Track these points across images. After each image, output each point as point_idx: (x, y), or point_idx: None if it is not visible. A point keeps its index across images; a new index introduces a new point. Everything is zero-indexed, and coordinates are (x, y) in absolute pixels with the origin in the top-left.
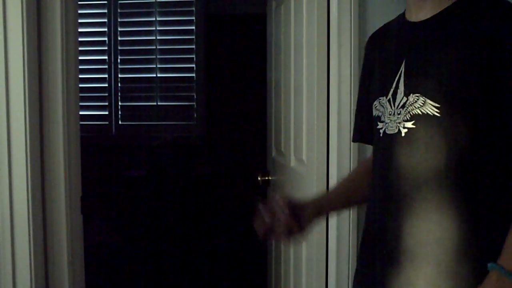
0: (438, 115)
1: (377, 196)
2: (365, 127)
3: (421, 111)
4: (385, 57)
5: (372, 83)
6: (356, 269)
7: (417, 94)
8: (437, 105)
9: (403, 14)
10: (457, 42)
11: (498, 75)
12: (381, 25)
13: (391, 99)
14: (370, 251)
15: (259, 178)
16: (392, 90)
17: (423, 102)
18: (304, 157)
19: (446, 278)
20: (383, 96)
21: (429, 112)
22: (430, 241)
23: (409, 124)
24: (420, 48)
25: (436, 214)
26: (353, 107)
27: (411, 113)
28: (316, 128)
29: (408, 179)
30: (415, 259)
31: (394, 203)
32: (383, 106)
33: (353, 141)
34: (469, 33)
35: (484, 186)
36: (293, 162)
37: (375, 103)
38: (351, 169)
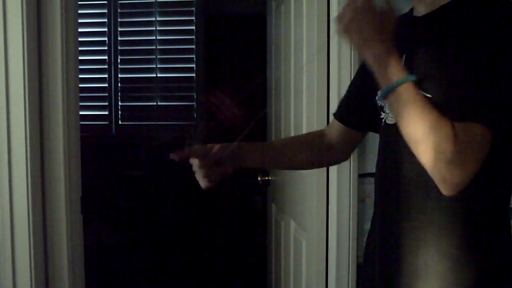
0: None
1: (379, 187)
2: (350, 108)
3: None
4: None
5: None
6: (364, 262)
7: None
8: (428, 96)
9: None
10: (446, 38)
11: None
12: None
13: None
14: (374, 244)
15: (259, 178)
16: None
17: None
18: None
19: (452, 262)
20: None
21: None
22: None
23: None
24: (417, 42)
25: (431, 208)
26: None
27: None
28: (316, 128)
29: (404, 169)
30: (418, 251)
31: (395, 194)
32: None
33: (334, 115)
34: (456, 30)
35: (476, 179)
36: None
37: (378, 92)
38: (351, 169)
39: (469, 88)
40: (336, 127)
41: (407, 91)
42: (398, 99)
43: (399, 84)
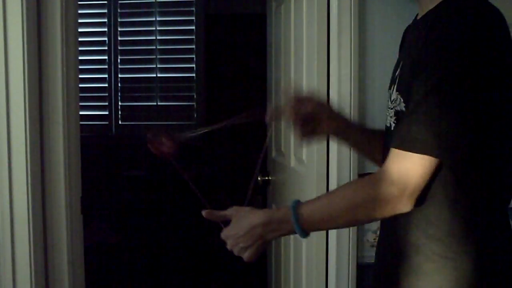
0: (405, 111)
1: None
2: None
3: (399, 108)
4: (399, 54)
5: None
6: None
7: (397, 92)
8: (404, 103)
9: None
10: (416, 44)
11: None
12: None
13: (390, 94)
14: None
15: (259, 178)
16: (392, 85)
17: (400, 99)
18: (304, 157)
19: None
20: (389, 90)
21: (402, 109)
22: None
23: (394, 120)
24: (408, 48)
25: (432, 208)
26: (353, 107)
27: (394, 109)
28: None
29: None
30: (418, 251)
31: None
32: (388, 100)
33: None
34: (422, 37)
35: (477, 181)
36: (293, 162)
37: (387, 95)
38: (351, 169)
39: (412, 111)
40: None
41: (306, 213)
42: (313, 223)
43: (296, 219)
